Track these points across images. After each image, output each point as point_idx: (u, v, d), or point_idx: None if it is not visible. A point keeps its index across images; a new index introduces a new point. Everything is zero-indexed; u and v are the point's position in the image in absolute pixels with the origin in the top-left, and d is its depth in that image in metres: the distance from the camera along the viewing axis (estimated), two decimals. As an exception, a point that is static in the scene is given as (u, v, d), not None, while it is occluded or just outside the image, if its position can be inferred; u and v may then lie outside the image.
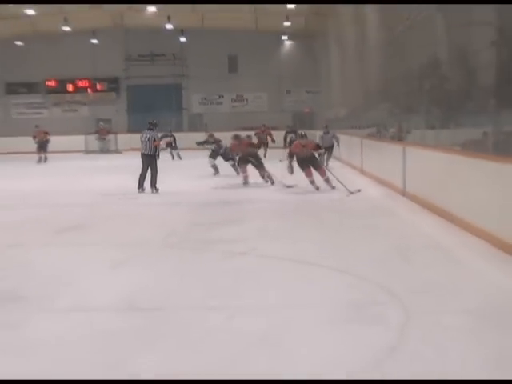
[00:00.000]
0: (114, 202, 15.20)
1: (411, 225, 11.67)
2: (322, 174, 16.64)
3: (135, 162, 17.52)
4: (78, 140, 37.75)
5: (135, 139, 19.89)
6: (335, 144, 24.41)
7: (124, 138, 37.37)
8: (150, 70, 42.70)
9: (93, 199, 15.87)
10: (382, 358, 5.25)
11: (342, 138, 25.10)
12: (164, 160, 18.79)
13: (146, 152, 16.44)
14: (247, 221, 12.16)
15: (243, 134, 26.42)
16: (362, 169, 21.14)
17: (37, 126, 32.06)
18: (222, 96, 43.35)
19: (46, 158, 30.24)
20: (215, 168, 21.18)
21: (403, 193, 14.60)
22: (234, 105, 43.37)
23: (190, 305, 6.91)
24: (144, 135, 16.42)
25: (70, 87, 44.24)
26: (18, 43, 41.24)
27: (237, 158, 19.28)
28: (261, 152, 25.73)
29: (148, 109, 40.81)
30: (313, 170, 16.57)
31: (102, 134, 38.00)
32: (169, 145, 24.60)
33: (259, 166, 18.54)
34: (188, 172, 22.76)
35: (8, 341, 5.92)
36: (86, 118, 42.31)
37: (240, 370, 5.11)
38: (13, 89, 44.15)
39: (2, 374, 5.13)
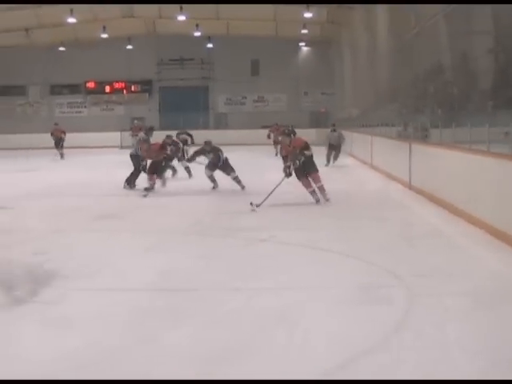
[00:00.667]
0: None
1: (416, 215, 11.69)
2: (316, 180, 13.02)
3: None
4: (113, 136, 37.78)
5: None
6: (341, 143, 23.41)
7: (156, 135, 37.35)
8: (179, 73, 42.76)
9: (126, 190, 15.93)
10: (389, 334, 5.27)
11: (355, 136, 25.05)
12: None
13: (133, 153, 16.59)
14: (266, 211, 12.18)
15: (263, 132, 26.42)
16: (372, 164, 21.12)
17: (56, 124, 31.73)
18: (245, 97, 43.34)
19: (62, 155, 29.27)
20: (213, 180, 16.06)
21: (409, 186, 14.58)
22: (255, 105, 43.33)
23: (214, 286, 6.93)
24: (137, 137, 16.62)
25: (107, 88, 44.38)
26: (61, 49, 41.34)
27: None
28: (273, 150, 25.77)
29: (177, 108, 40.97)
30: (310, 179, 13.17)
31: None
32: (184, 142, 23.32)
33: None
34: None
35: (51, 316, 5.97)
36: (121, 117, 42.41)
37: (259, 346, 5.15)
38: (56, 90, 44.36)
39: (45, 346, 5.18)
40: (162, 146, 16.42)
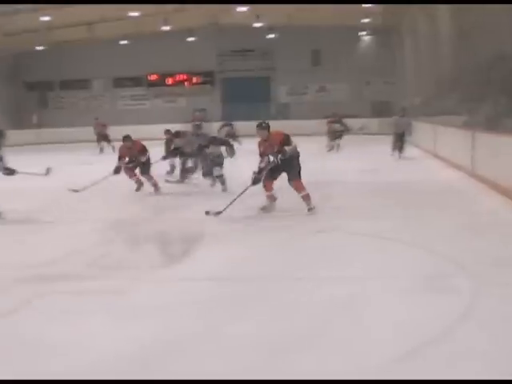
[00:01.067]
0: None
1: (482, 204, 11.57)
2: (298, 188, 10.75)
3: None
4: (176, 128, 37.99)
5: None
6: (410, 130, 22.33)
7: (218, 126, 37.60)
8: (241, 64, 42.92)
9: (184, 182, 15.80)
10: (455, 324, 5.28)
11: (418, 125, 24.81)
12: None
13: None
14: (331, 200, 12.21)
15: (322, 122, 26.10)
16: (436, 153, 20.94)
17: (96, 119, 31.34)
18: (307, 87, 43.24)
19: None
20: (213, 179, 14.36)
21: (473, 175, 14.45)
22: (317, 95, 43.22)
23: (282, 275, 7.02)
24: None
25: (169, 80, 44.73)
26: (124, 42, 41.82)
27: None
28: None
29: (239, 99, 41.08)
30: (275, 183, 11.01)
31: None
32: (229, 135, 21.87)
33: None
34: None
35: (119, 305, 6.13)
36: (183, 109, 42.67)
37: (325, 336, 5.20)
38: (119, 82, 44.90)
39: (113, 335, 5.34)
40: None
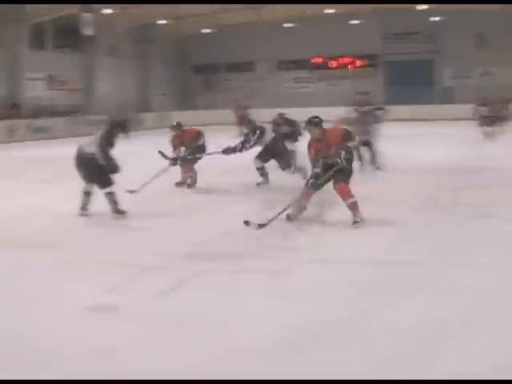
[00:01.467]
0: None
1: None
2: (344, 193, 8.96)
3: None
4: (338, 111, 37.92)
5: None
6: None
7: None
8: (404, 47, 42.40)
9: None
10: None
11: None
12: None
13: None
14: (486, 188, 12.10)
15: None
16: None
17: (237, 101, 31.24)
18: (471, 70, 42.18)
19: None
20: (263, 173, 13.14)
21: None
22: (481, 78, 42.07)
23: (438, 260, 7.05)
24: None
25: (332, 63, 44.84)
26: (288, 25, 42.25)
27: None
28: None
29: (402, 83, 40.67)
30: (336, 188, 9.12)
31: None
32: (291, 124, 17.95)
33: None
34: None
35: (277, 286, 6.31)
36: (346, 92, 42.66)
37: (476, 323, 5.22)
38: (283, 65, 45.49)
39: (269, 314, 5.49)
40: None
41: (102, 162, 9.60)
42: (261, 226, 8.37)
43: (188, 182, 13.12)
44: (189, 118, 37.14)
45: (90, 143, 9.82)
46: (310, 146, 9.13)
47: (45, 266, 7.19)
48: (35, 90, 34.02)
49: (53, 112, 32.82)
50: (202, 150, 13.14)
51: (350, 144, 9.01)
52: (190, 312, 5.62)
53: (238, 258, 7.40)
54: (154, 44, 42.36)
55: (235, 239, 8.30)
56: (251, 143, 12.82)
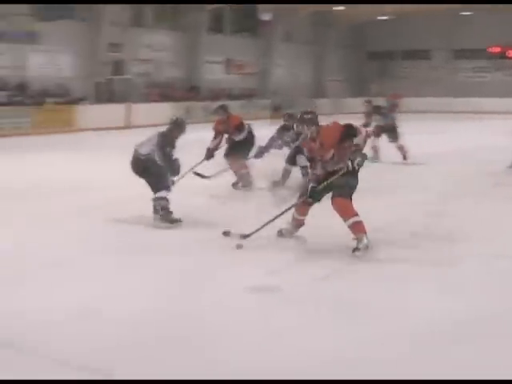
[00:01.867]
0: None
1: None
2: (342, 211, 7.10)
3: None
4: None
5: None
6: None
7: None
8: None
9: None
10: None
11: None
12: None
13: None
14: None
15: None
16: None
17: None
18: None
19: None
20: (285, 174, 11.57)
21: None
22: None
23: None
24: None
25: (511, 53, 43.63)
26: (464, 13, 41.48)
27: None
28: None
29: None
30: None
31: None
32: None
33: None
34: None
35: (444, 278, 6.28)
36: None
37: None
38: (459, 54, 44.66)
39: (430, 304, 5.49)
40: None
41: (160, 162, 8.60)
42: (245, 236, 7.33)
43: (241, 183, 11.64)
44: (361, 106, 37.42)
45: (145, 143, 8.81)
46: (304, 146, 8.15)
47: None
48: (213, 74, 35.28)
49: (230, 95, 33.73)
50: (248, 144, 11.72)
51: (355, 141, 7.21)
52: (346, 298, 5.72)
53: (403, 247, 7.39)
54: (330, 30, 42.66)
55: (401, 228, 8.35)
56: None
